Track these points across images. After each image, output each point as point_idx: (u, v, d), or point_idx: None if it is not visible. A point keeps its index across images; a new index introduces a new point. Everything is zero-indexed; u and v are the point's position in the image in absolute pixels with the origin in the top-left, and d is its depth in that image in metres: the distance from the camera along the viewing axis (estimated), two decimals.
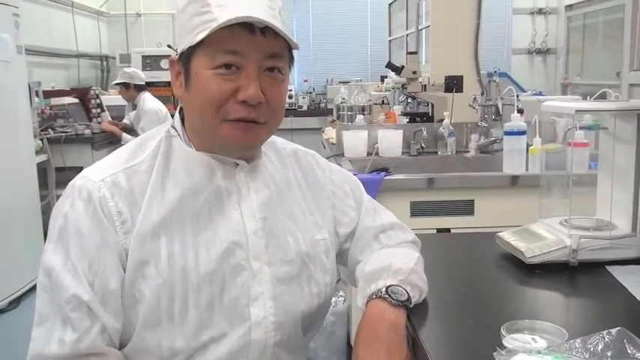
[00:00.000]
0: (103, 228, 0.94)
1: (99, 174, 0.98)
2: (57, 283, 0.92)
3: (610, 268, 1.30)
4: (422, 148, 3.02)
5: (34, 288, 4.05)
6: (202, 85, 0.96)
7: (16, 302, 3.54)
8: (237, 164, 1.04)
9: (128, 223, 0.95)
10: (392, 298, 1.03)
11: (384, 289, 1.04)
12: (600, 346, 0.87)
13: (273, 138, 1.16)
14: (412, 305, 1.06)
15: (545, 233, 1.39)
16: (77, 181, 0.98)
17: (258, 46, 0.96)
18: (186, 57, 0.98)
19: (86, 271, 0.92)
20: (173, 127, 1.05)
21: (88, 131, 4.72)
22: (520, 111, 2.63)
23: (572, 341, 0.89)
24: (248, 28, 0.94)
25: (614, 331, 0.89)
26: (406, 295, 1.05)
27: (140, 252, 0.95)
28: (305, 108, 6.77)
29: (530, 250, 1.32)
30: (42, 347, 0.92)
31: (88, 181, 0.96)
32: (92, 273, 0.93)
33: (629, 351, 0.86)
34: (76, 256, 0.93)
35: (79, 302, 0.91)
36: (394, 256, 1.12)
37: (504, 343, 0.92)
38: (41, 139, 4.24)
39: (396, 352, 0.97)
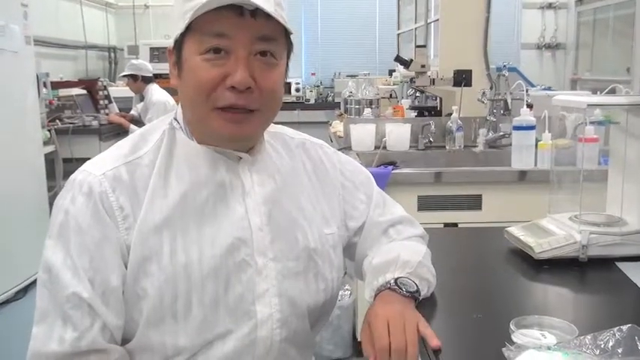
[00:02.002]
0: (103, 224, 0.92)
1: (100, 168, 0.96)
2: (57, 281, 0.91)
3: (620, 265, 1.29)
4: (430, 142, 3.01)
5: None
6: (192, 72, 0.94)
7: (23, 292, 3.55)
8: (240, 157, 1.01)
9: (130, 219, 0.94)
10: (401, 290, 1.02)
11: (392, 281, 1.04)
12: (611, 343, 0.86)
13: (280, 129, 1.13)
14: (421, 298, 1.05)
15: (555, 229, 1.38)
16: (78, 175, 0.96)
17: (247, 28, 0.92)
18: (179, 44, 0.96)
19: (87, 268, 0.91)
20: (176, 119, 1.03)
21: (95, 122, 4.72)
22: (529, 106, 2.61)
23: (582, 337, 0.88)
24: (237, 10, 0.90)
25: (624, 327, 0.88)
26: (415, 286, 1.04)
27: (142, 248, 0.93)
28: (312, 101, 6.75)
29: (540, 246, 1.31)
30: (42, 345, 0.91)
31: (89, 175, 0.95)
32: (93, 269, 0.91)
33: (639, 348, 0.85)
34: (76, 253, 0.91)
35: (79, 300, 0.90)
36: (402, 249, 1.11)
37: (513, 338, 0.91)
38: (49, 130, 4.25)
39: (410, 320, 0.98)
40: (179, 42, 0.96)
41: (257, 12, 0.91)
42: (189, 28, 0.93)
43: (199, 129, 0.99)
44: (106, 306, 0.92)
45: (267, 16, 0.91)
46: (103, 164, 0.97)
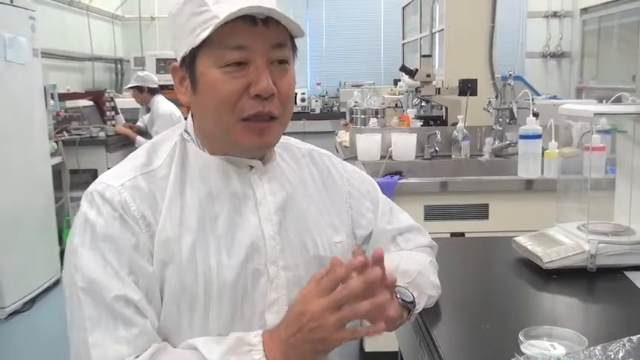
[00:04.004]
0: (132, 230, 0.93)
1: (118, 179, 0.96)
2: (101, 286, 0.90)
3: (629, 274, 1.29)
4: (436, 151, 3.01)
5: (48, 289, 4.08)
6: (212, 86, 0.94)
7: (30, 303, 3.56)
8: (252, 167, 1.02)
9: (153, 227, 0.94)
10: (396, 297, 1.01)
11: None
12: (621, 354, 0.85)
13: (287, 139, 1.14)
14: (419, 310, 1.05)
15: (563, 238, 1.37)
16: (97, 187, 0.96)
17: (262, 37, 0.93)
18: (190, 60, 0.96)
19: (128, 272, 0.91)
20: (186, 130, 1.04)
21: (102, 134, 4.74)
22: (535, 114, 2.61)
23: (591, 348, 0.87)
24: (250, 20, 0.92)
25: (635, 338, 0.88)
26: (411, 297, 1.03)
27: (163, 255, 0.93)
28: (318, 111, 6.76)
29: (548, 255, 1.31)
30: (105, 351, 0.88)
31: (108, 187, 0.95)
32: (134, 273, 0.91)
33: None
34: (115, 260, 0.91)
35: (127, 301, 0.90)
36: (402, 259, 1.11)
37: (522, 349, 0.90)
38: (56, 142, 4.27)
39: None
40: (190, 57, 0.96)
41: (268, 20, 0.93)
42: (202, 43, 0.93)
43: (222, 140, 0.99)
44: (150, 307, 0.92)
45: (277, 23, 0.93)
46: (120, 176, 0.97)
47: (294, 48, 1.01)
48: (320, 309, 0.85)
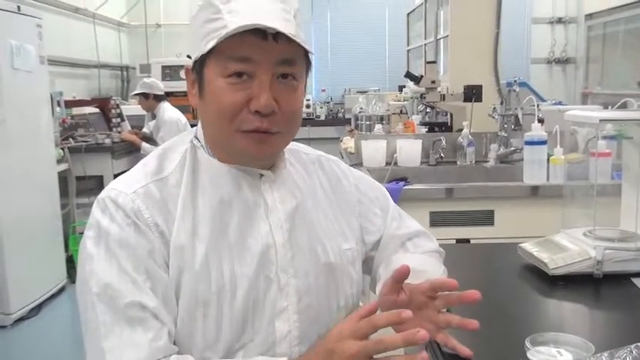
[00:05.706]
0: (147, 237, 0.93)
1: (130, 186, 0.96)
2: (116, 292, 0.89)
3: (635, 280, 1.28)
4: (441, 157, 3.01)
5: (54, 296, 4.08)
6: (215, 95, 0.95)
7: (36, 310, 3.56)
8: (262, 175, 1.02)
9: (166, 235, 0.94)
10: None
11: None
12: None
13: (296, 145, 1.14)
14: None
15: (569, 244, 1.37)
16: (109, 193, 0.96)
17: (269, 52, 0.93)
18: (200, 65, 0.97)
19: (145, 279, 0.91)
20: (196, 137, 1.04)
21: (108, 140, 4.76)
22: (540, 120, 2.61)
23: (598, 355, 0.87)
24: (260, 34, 0.91)
25: None
26: None
27: (178, 263, 0.93)
28: (323, 117, 6.77)
29: (554, 262, 1.31)
30: (119, 356, 0.88)
31: (120, 194, 0.95)
32: (151, 279, 0.91)
33: None
34: (131, 267, 0.90)
35: (142, 307, 0.89)
36: (417, 260, 1.10)
37: (529, 356, 0.90)
38: (62, 149, 4.28)
39: None
40: (199, 62, 0.96)
41: (278, 35, 0.92)
42: (211, 50, 0.93)
43: (223, 148, 1.00)
44: (167, 313, 0.91)
45: (288, 39, 0.92)
46: (132, 182, 0.97)
47: (308, 63, 1.01)
48: (350, 353, 0.82)
